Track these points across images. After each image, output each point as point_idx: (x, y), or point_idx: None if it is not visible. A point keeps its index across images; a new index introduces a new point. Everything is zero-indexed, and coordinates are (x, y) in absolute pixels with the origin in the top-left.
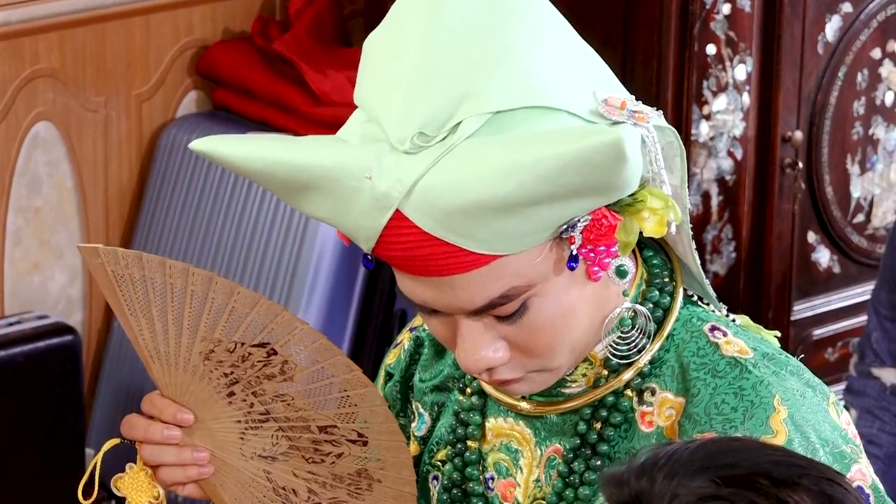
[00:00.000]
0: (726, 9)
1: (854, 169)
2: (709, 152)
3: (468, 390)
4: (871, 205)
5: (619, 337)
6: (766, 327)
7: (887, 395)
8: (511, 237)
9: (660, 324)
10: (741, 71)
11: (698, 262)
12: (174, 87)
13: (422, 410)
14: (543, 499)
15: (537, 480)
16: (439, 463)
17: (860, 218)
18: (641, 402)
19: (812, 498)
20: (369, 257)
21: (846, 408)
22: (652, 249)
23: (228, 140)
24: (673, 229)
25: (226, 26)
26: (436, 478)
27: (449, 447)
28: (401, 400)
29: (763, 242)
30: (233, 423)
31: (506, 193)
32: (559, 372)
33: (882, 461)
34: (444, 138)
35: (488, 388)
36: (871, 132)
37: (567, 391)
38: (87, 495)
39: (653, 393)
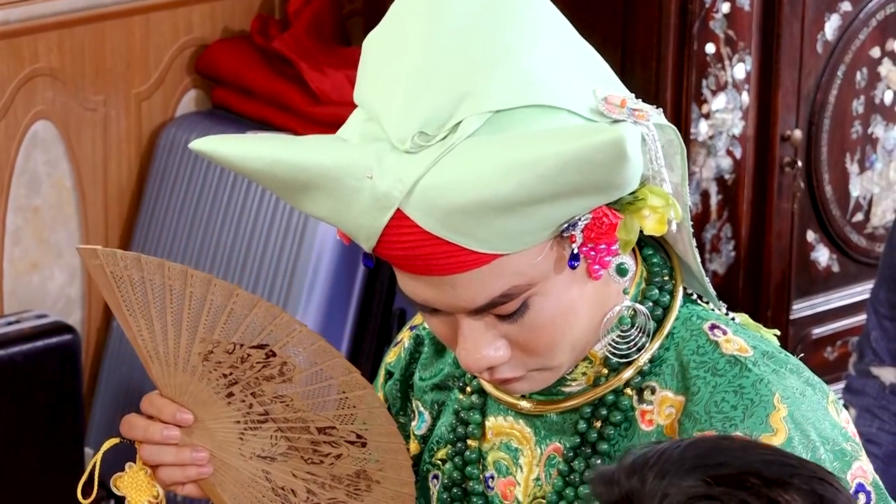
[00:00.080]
0: (725, 7)
1: (853, 168)
2: (708, 151)
3: (468, 389)
4: (870, 204)
5: (619, 335)
6: (765, 326)
7: (886, 394)
8: (512, 236)
9: (660, 322)
10: (740, 70)
11: (699, 260)
12: (173, 86)
13: (422, 409)
14: (543, 497)
15: (537, 479)
16: (439, 462)
17: (859, 217)
18: (641, 400)
19: (803, 497)
20: (370, 256)
21: (845, 407)
22: (652, 248)
23: (228, 140)
24: (674, 227)
25: (225, 25)
26: (436, 477)
27: (449, 446)
28: (401, 398)
29: (762, 241)
30: (232, 424)
31: (507, 192)
32: (560, 370)
33: (881, 460)
34: (444, 137)
35: (488, 387)
36: (870, 131)
37: (567, 390)
38: (86, 494)
39: (653, 391)
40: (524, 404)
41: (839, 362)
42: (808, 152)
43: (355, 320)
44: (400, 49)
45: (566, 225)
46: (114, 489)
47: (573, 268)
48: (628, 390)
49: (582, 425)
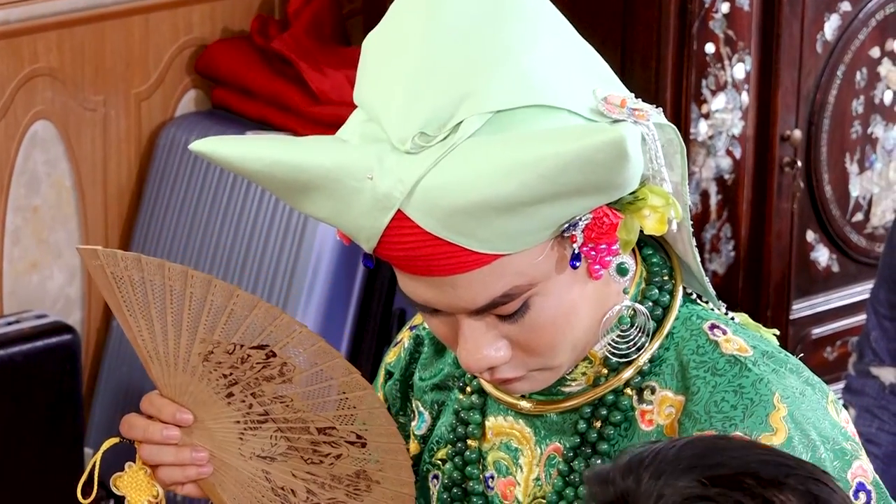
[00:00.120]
0: (725, 7)
1: (853, 168)
2: (707, 151)
3: (468, 389)
4: (869, 203)
5: (619, 335)
6: (765, 326)
7: (886, 394)
8: (513, 236)
9: (659, 322)
10: (740, 70)
11: (698, 259)
12: (173, 86)
13: (422, 409)
14: (543, 497)
15: (537, 479)
16: (439, 462)
17: (859, 217)
18: (641, 400)
19: (798, 498)
20: (370, 257)
21: (845, 407)
22: (651, 247)
23: (228, 141)
24: (674, 227)
25: (225, 25)
26: (436, 477)
27: (449, 446)
28: (401, 398)
29: (762, 241)
30: (232, 424)
31: (507, 193)
32: (560, 370)
33: (881, 460)
34: (445, 138)
35: (488, 387)
36: (869, 131)
37: (567, 390)
38: (85, 494)
39: (652, 391)
40: (524, 404)
41: (839, 362)
42: (808, 152)
43: (355, 320)
44: (399, 49)
45: (567, 225)
46: (113, 489)
47: (575, 268)
48: (628, 390)
49: (582, 425)
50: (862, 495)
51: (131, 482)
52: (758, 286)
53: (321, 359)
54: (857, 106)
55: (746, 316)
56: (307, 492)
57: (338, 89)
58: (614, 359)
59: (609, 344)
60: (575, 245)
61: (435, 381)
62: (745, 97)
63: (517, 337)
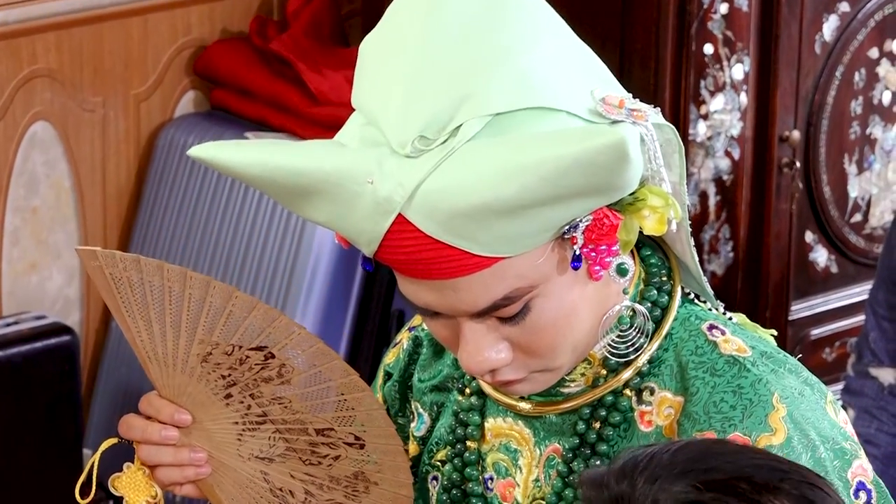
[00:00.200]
0: (724, 8)
1: (851, 168)
2: (706, 152)
3: (467, 390)
4: (868, 204)
5: (618, 336)
6: (763, 327)
7: (885, 394)
8: (514, 239)
9: (658, 323)
10: (739, 71)
11: (696, 259)
12: (172, 87)
13: (421, 410)
14: (543, 499)
15: (536, 480)
16: (439, 463)
17: (858, 217)
18: (640, 401)
19: (793, 502)
20: (369, 260)
21: (844, 408)
22: (650, 248)
23: (227, 146)
24: (674, 227)
25: (223, 26)
26: (435, 478)
27: (448, 447)
28: (399, 400)
29: (761, 242)
30: (230, 425)
31: (508, 196)
32: (561, 371)
33: (880, 461)
34: (444, 141)
35: (487, 389)
36: (868, 132)
37: (566, 391)
38: (84, 495)
39: (651, 392)
40: (523, 406)
41: (838, 363)
42: (807, 153)
43: (354, 321)
44: (397, 52)
45: (567, 227)
46: (112, 490)
47: (576, 269)
48: (627, 391)
49: (581, 426)
50: (862, 494)
51: (130, 483)
52: (756, 287)
53: (320, 360)
54: (856, 107)
55: (744, 316)
56: (305, 493)
57: (337, 90)
58: (613, 359)
59: (608, 345)
60: (575, 247)
61: (434, 382)
62: (743, 98)
63: (518, 339)
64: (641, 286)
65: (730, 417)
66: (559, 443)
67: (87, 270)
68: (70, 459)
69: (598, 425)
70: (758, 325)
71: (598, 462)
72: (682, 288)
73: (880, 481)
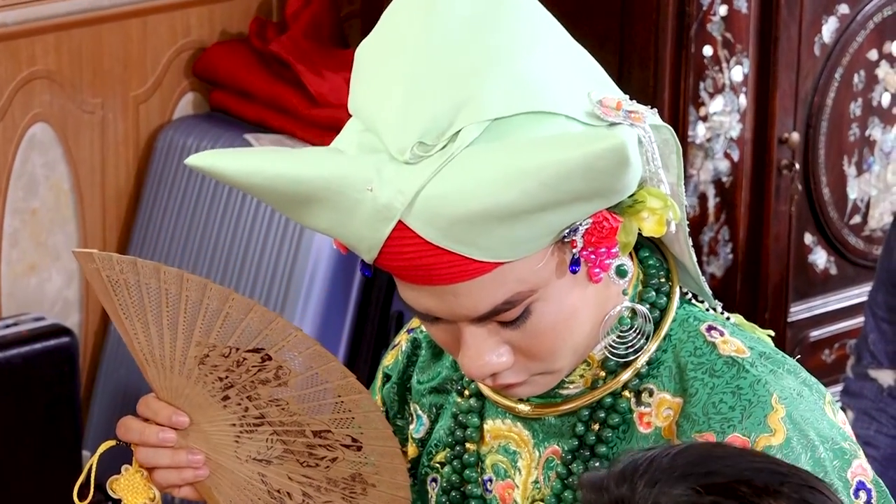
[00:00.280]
0: (723, 10)
1: (851, 170)
2: (705, 154)
3: (466, 392)
4: (867, 206)
5: (617, 337)
6: (762, 329)
7: (884, 396)
8: (514, 244)
9: (657, 324)
10: (738, 72)
11: (695, 259)
12: (171, 89)
13: (420, 412)
14: (542, 500)
15: (536, 482)
16: (438, 465)
17: (857, 219)
18: (639, 402)
19: None
20: (368, 265)
21: (843, 409)
22: (648, 249)
23: (225, 155)
24: (673, 228)
25: (223, 28)
26: (434, 480)
27: (447, 449)
28: (398, 402)
29: (760, 244)
30: (227, 427)
31: (509, 201)
32: (561, 374)
33: (879, 463)
34: (444, 147)
35: (486, 391)
36: (867, 133)
37: (565, 392)
38: (82, 497)
39: (650, 394)
40: (522, 407)
41: (837, 365)
42: (806, 155)
43: (353, 323)
44: (394, 57)
45: (567, 230)
46: (110, 492)
47: (574, 272)
48: (626, 393)
49: (580, 428)
50: (862, 494)
51: (128, 485)
52: (756, 289)
53: (316, 362)
54: (855, 108)
55: (741, 317)
56: (303, 495)
57: (336, 92)
58: (612, 361)
59: (608, 346)
60: (575, 250)
61: (433, 384)
62: (742, 100)
63: (519, 342)
64: (640, 287)
65: (729, 418)
66: (558, 444)
67: (85, 273)
68: (69, 461)
69: (596, 427)
70: (756, 326)
71: (597, 464)
72: (680, 288)
73: (880, 481)
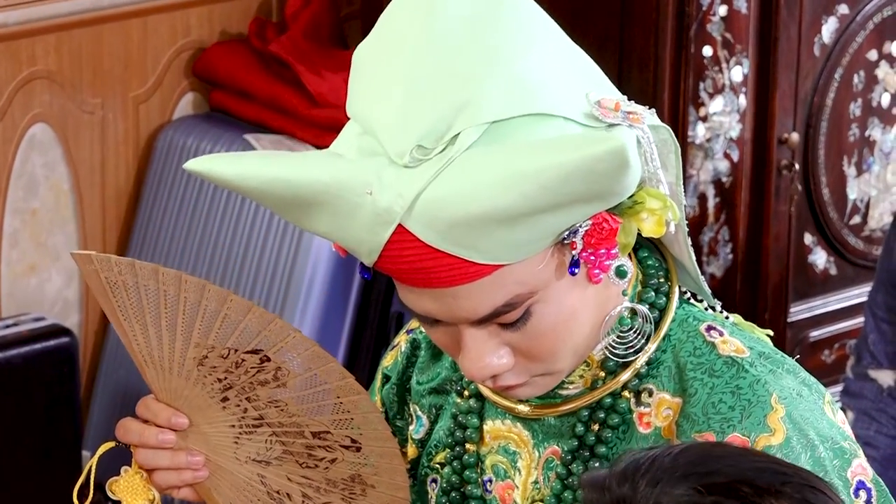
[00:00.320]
0: (723, 10)
1: (850, 171)
2: (705, 154)
3: (466, 393)
4: (867, 206)
5: (617, 338)
6: (761, 328)
7: (884, 396)
8: (514, 246)
9: (656, 324)
10: (738, 73)
11: (694, 258)
12: (171, 89)
13: (419, 413)
14: (542, 501)
15: (535, 482)
16: (438, 465)
17: (857, 220)
18: (639, 403)
19: None
20: (367, 268)
21: (843, 409)
22: (647, 249)
23: (224, 159)
24: (672, 228)
25: (223, 28)
26: (434, 480)
27: (447, 450)
28: (398, 402)
29: (759, 244)
30: (227, 428)
31: (508, 204)
32: (562, 375)
33: (879, 463)
34: (443, 150)
35: (486, 391)
36: (867, 134)
37: (564, 393)
38: (82, 498)
39: (650, 394)
40: (522, 408)
41: (837, 365)
42: (806, 155)
43: (353, 324)
44: (392, 60)
45: (567, 232)
46: (110, 493)
47: (574, 274)
48: (626, 393)
49: (580, 428)
50: (862, 493)
51: (127, 486)
52: (755, 289)
53: (315, 363)
54: (855, 109)
55: (739, 316)
56: (302, 496)
57: (335, 92)
58: (611, 361)
59: (607, 346)
60: (575, 251)
61: (432, 384)
62: (742, 100)
63: (519, 344)
64: (639, 288)
65: (728, 418)
66: (558, 445)
67: (83, 275)
68: (69, 461)
69: (596, 427)
70: (754, 325)
71: (596, 464)
72: (679, 287)
73: (880, 480)
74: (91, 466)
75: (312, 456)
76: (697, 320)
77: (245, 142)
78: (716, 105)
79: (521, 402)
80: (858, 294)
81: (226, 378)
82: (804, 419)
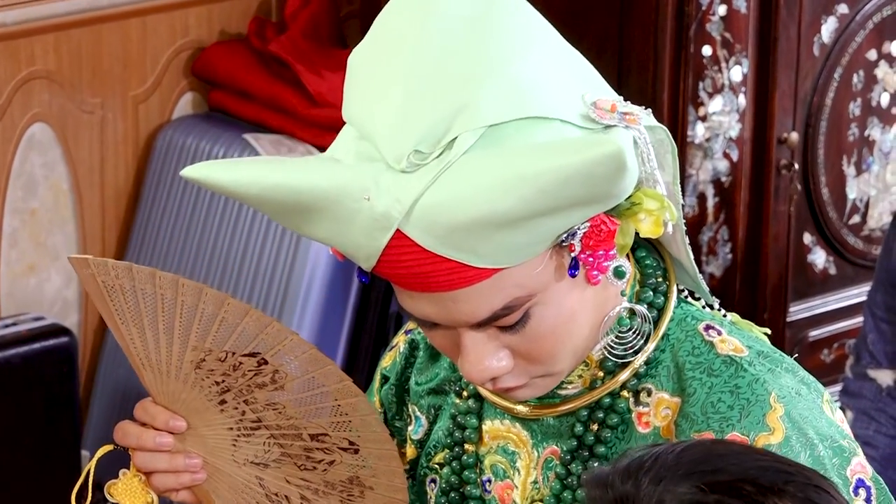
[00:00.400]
0: (722, 10)
1: (850, 170)
2: (704, 154)
3: (464, 393)
4: (866, 206)
5: (616, 338)
6: (759, 327)
7: (883, 396)
8: (512, 250)
9: (654, 324)
10: (737, 72)
11: (692, 257)
12: (170, 89)
13: (418, 413)
14: (541, 501)
15: (535, 482)
16: (437, 466)
17: (856, 219)
18: (638, 402)
19: None
20: (365, 272)
21: (842, 409)
22: (645, 249)
23: (220, 165)
24: (670, 229)
25: (222, 28)
26: (433, 481)
27: (446, 450)
28: (397, 403)
29: (759, 244)
30: (225, 431)
31: (507, 208)
32: (561, 376)
33: (878, 463)
34: (440, 155)
35: (484, 392)
36: (866, 133)
37: (563, 393)
38: (81, 500)
39: (649, 393)
40: (521, 408)
41: (836, 365)
42: (805, 155)
43: (352, 324)
44: (390, 62)
45: (565, 235)
46: (108, 496)
47: (573, 276)
48: (624, 393)
49: (579, 428)
50: (862, 492)
51: (125, 489)
52: (755, 289)
53: (313, 366)
54: (854, 108)
55: (737, 315)
56: (301, 498)
57: (335, 92)
58: (610, 361)
59: (606, 346)
60: (573, 254)
61: (431, 385)
62: (742, 100)
63: (518, 346)
64: (637, 288)
65: (727, 417)
66: (557, 445)
67: (80, 278)
68: (68, 461)
69: (595, 427)
70: (752, 324)
71: (595, 464)
72: (677, 286)
73: (879, 478)
74: (89, 470)
75: (310, 458)
76: (696, 319)
77: (244, 141)
78: (715, 105)
79: (519, 402)
80: (858, 294)
81: (223, 381)
82: (803, 418)
